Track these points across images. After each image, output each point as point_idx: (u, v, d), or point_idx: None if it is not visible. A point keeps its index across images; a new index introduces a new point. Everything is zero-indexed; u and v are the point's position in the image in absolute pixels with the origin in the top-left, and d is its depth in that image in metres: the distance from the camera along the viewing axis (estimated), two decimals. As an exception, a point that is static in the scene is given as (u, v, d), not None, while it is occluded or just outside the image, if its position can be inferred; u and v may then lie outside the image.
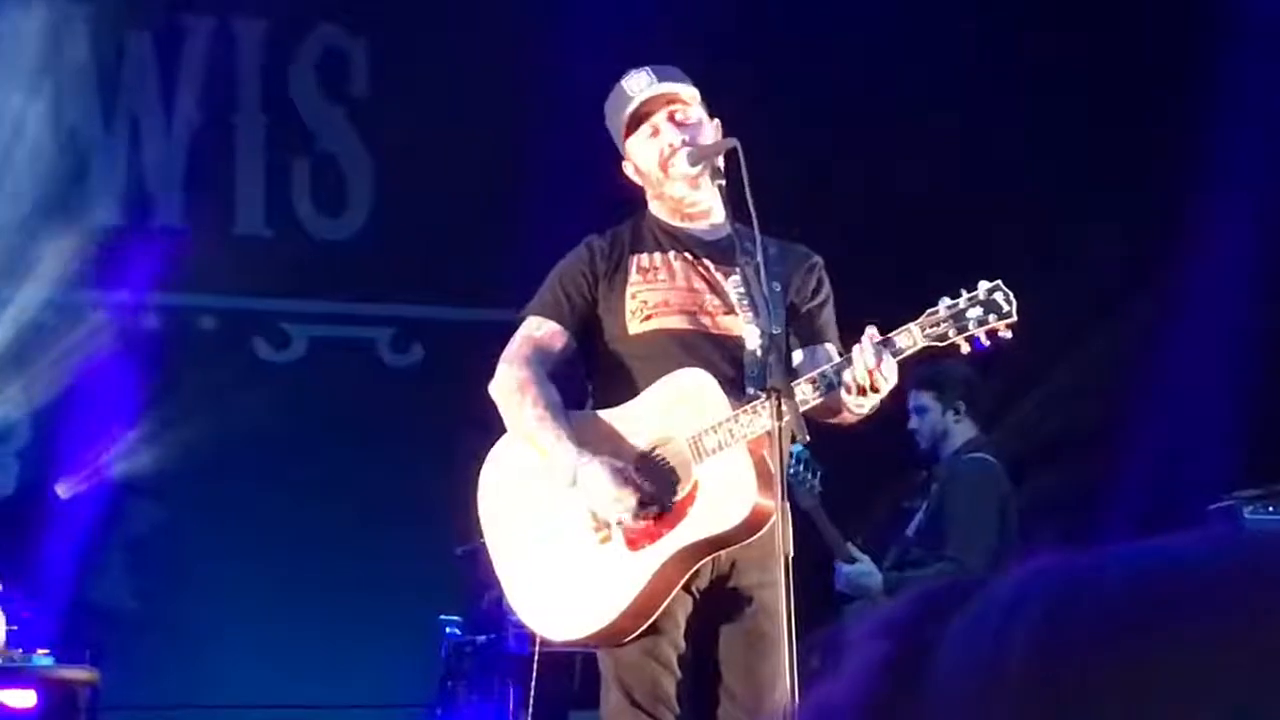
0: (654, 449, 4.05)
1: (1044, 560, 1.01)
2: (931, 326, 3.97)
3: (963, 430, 6.43)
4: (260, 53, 8.54)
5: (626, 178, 4.37)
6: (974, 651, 0.95)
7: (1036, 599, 0.96)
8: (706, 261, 4.24)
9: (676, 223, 4.30)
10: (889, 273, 7.57)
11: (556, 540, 4.09)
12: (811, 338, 4.25)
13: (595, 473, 3.98)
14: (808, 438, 3.86)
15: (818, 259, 4.37)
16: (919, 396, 6.40)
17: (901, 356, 3.96)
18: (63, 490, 7.64)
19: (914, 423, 6.46)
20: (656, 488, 4.00)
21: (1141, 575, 0.96)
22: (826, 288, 4.34)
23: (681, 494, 4.00)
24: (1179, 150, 7.97)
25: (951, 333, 3.97)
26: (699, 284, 4.22)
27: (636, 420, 4.09)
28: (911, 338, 3.96)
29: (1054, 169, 8.23)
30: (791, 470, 5.78)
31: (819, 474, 5.87)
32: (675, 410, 4.05)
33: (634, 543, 4.01)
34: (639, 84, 4.25)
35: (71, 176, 8.22)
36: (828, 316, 4.32)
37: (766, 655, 3.97)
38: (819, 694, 1.03)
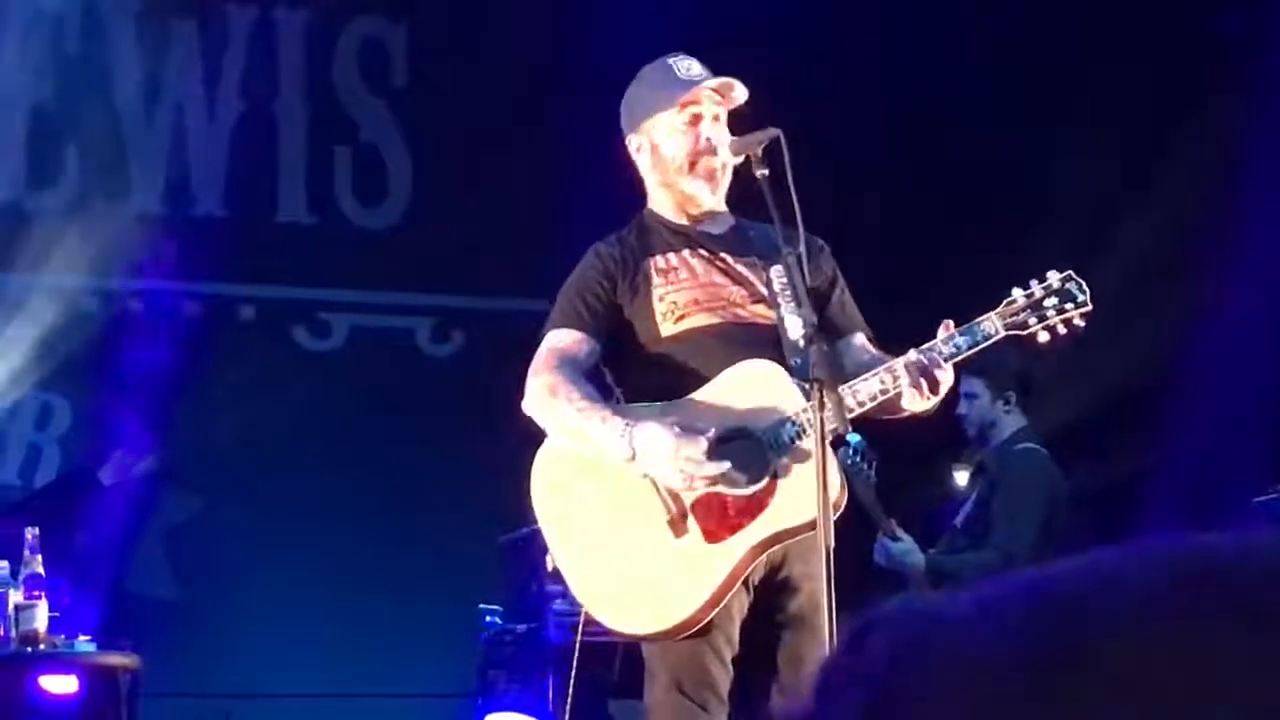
0: (728, 440, 4.01)
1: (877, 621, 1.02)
2: (1011, 316, 3.98)
3: (1012, 420, 6.41)
4: (302, 42, 8.56)
5: (628, 155, 4.34)
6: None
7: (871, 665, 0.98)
8: (724, 255, 4.23)
9: (683, 220, 4.28)
10: (924, 268, 7.56)
11: (628, 534, 4.04)
12: (843, 327, 4.24)
13: (655, 434, 3.93)
14: (849, 428, 3.85)
15: (824, 243, 4.36)
16: (970, 383, 6.37)
17: (980, 347, 3.97)
18: (105, 477, 7.66)
19: (963, 408, 6.43)
20: (735, 468, 3.96)
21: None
22: (838, 270, 4.34)
23: (760, 485, 3.98)
24: (1218, 143, 7.93)
25: (1032, 321, 3.99)
26: (720, 278, 4.21)
27: (705, 411, 4.05)
28: (993, 326, 3.97)
29: (1092, 160, 8.18)
30: (849, 461, 5.80)
31: (874, 464, 5.88)
32: (748, 400, 4.02)
33: (712, 534, 3.98)
34: (694, 70, 4.22)
35: (114, 164, 8.26)
36: (850, 302, 4.33)
37: (816, 646, 3.97)
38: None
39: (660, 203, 4.30)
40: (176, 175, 8.41)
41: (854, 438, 5.55)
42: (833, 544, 3.74)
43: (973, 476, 6.59)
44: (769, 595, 4.10)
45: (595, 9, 8.06)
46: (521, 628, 6.97)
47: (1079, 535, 6.26)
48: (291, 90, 8.58)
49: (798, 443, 3.95)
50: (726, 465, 3.93)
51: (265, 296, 8.53)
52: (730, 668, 4.07)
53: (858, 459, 5.84)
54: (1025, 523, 6.17)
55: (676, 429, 3.92)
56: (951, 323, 3.98)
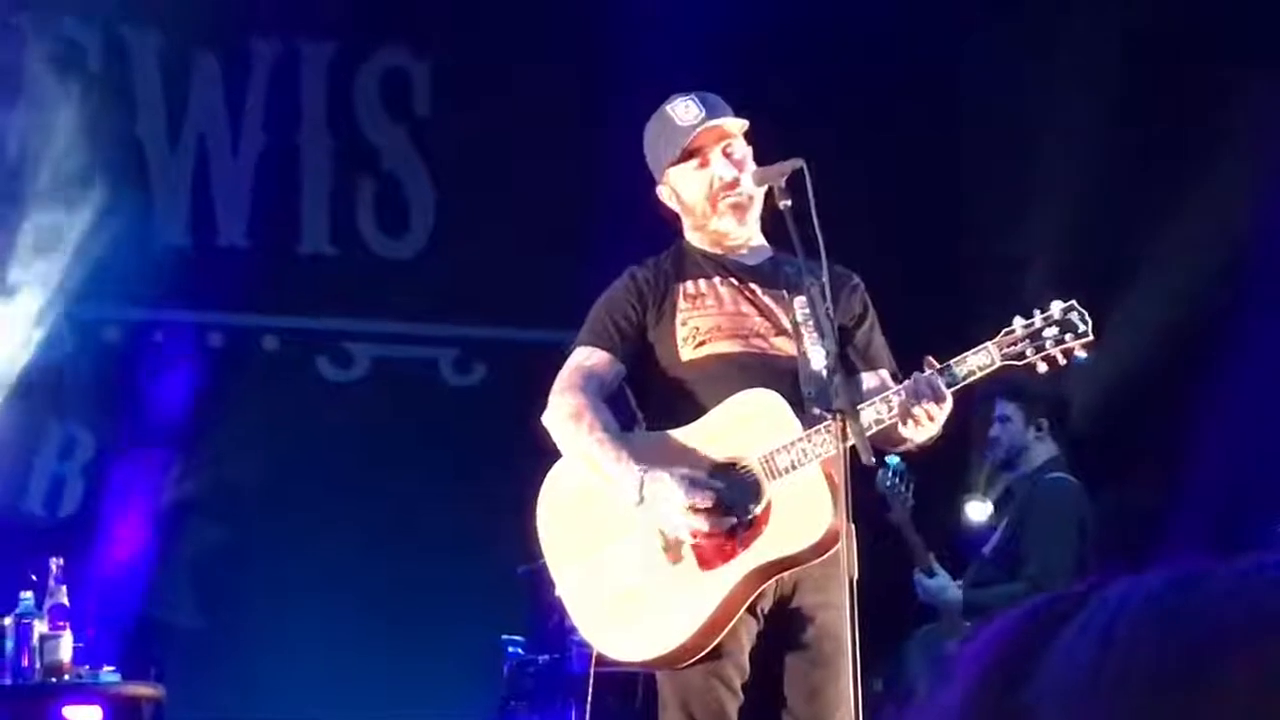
0: (725, 468, 4.03)
1: (1147, 574, 1.00)
2: (1009, 346, 3.97)
3: (1043, 448, 6.42)
4: (325, 74, 8.59)
5: (661, 203, 4.37)
6: (1074, 666, 0.94)
7: (1138, 612, 0.95)
8: (753, 285, 4.25)
9: (718, 251, 4.31)
10: (945, 293, 7.56)
11: (623, 561, 4.07)
12: (867, 362, 4.25)
13: (664, 484, 3.95)
14: (871, 460, 3.85)
15: (858, 280, 4.37)
16: (1004, 405, 6.41)
17: (976, 377, 3.97)
18: (131, 508, 7.69)
19: (995, 430, 6.46)
20: (731, 499, 3.99)
21: (1250, 592, 0.94)
22: (871, 309, 4.35)
23: (755, 512, 3.99)
24: (1241, 162, 7.91)
25: (1029, 352, 3.98)
26: (747, 308, 4.23)
27: (704, 440, 4.08)
28: (989, 356, 3.96)
29: (1123, 178, 8.15)
30: (888, 483, 5.83)
31: (911, 488, 5.90)
32: (745, 429, 4.04)
33: (706, 562, 3.99)
34: (690, 114, 4.25)
35: (137, 195, 8.29)
36: (878, 339, 4.33)
37: (830, 677, 3.96)
38: (923, 703, 1.03)
39: (697, 240, 4.33)
40: (200, 206, 8.44)
41: (893, 460, 5.60)
42: (856, 574, 3.73)
43: (999, 504, 6.59)
44: (780, 624, 4.11)
45: (618, 39, 8.08)
46: (543, 658, 6.97)
47: (1100, 563, 6.28)
48: (314, 121, 8.60)
49: (794, 471, 3.96)
50: (732, 521, 3.95)
51: (288, 327, 8.54)
52: (741, 695, 4.08)
53: (896, 481, 5.86)
54: (1058, 554, 6.16)
55: (685, 481, 3.94)
56: (933, 359, 3.97)
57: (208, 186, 8.46)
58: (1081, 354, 4.02)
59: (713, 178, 4.23)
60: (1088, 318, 4.02)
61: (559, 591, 4.24)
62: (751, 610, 4.05)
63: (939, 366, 3.96)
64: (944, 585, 6.16)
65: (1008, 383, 6.04)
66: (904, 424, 3.93)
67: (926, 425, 3.93)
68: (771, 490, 3.98)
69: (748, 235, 4.28)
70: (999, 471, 6.60)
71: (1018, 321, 4.02)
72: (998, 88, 8.20)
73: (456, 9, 8.61)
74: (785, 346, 4.16)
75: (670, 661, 4.05)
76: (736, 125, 4.27)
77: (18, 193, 8.01)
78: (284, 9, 8.40)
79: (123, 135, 8.28)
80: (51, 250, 8.01)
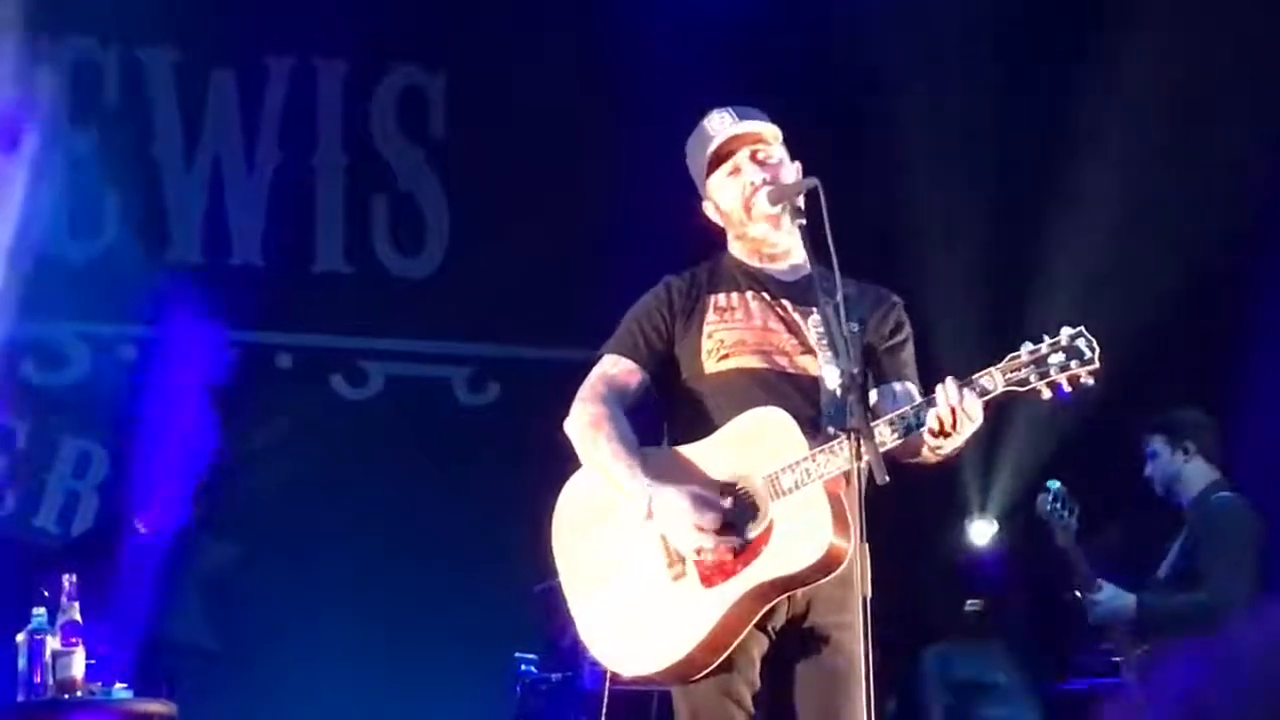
0: (730, 486, 4.04)
1: None
2: (1013, 371, 3.96)
3: (1198, 471, 6.48)
4: (340, 92, 8.62)
5: (707, 219, 4.38)
6: None
7: None
8: (785, 301, 4.24)
9: (756, 263, 4.30)
10: (969, 316, 7.56)
11: (629, 575, 4.07)
12: (891, 376, 4.24)
13: (672, 501, 3.96)
14: (886, 479, 3.83)
15: (898, 299, 4.36)
16: (1150, 442, 6.53)
17: (982, 400, 3.95)
18: (142, 525, 7.69)
19: (1149, 469, 6.56)
20: (734, 518, 3.99)
21: None
22: (907, 328, 4.33)
23: (757, 532, 3.99)
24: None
25: (1033, 378, 3.96)
26: (775, 323, 4.21)
27: (712, 457, 4.08)
28: (993, 381, 3.95)
29: (1139, 190, 8.15)
30: (1048, 508, 5.90)
31: (1075, 511, 5.95)
32: (752, 448, 4.03)
33: (708, 579, 4.00)
34: (720, 123, 4.26)
35: (152, 214, 8.31)
36: (907, 356, 4.31)
37: (845, 696, 3.96)
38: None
39: (738, 250, 4.33)
40: (215, 224, 8.46)
41: (1054, 484, 5.71)
42: (869, 594, 3.72)
43: (1175, 527, 6.62)
44: (792, 642, 4.10)
45: (632, 59, 8.09)
46: (556, 676, 6.97)
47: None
48: (329, 140, 8.63)
49: (797, 491, 3.95)
50: (736, 541, 3.95)
51: (303, 345, 8.56)
52: (752, 709, 4.07)
53: (1058, 506, 5.91)
54: (1235, 573, 6.21)
55: (693, 499, 3.94)
56: (954, 379, 3.97)
57: (222, 205, 8.49)
58: (1088, 381, 4.00)
59: (745, 183, 4.23)
60: (1095, 344, 4.00)
61: (568, 605, 4.24)
62: (761, 627, 4.05)
63: (964, 381, 3.95)
64: (1113, 594, 6.21)
65: (1150, 419, 6.20)
66: (934, 436, 3.92)
67: (954, 437, 3.93)
68: (774, 510, 3.98)
69: (787, 245, 4.27)
70: (1169, 507, 6.68)
71: (1025, 347, 4.01)
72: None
73: (471, 26, 8.62)
74: (808, 365, 4.15)
75: (675, 676, 4.05)
76: (768, 131, 4.26)
77: (35, 213, 8.04)
78: (299, 26, 8.42)
79: (138, 154, 8.30)
80: (67, 267, 8.03)
